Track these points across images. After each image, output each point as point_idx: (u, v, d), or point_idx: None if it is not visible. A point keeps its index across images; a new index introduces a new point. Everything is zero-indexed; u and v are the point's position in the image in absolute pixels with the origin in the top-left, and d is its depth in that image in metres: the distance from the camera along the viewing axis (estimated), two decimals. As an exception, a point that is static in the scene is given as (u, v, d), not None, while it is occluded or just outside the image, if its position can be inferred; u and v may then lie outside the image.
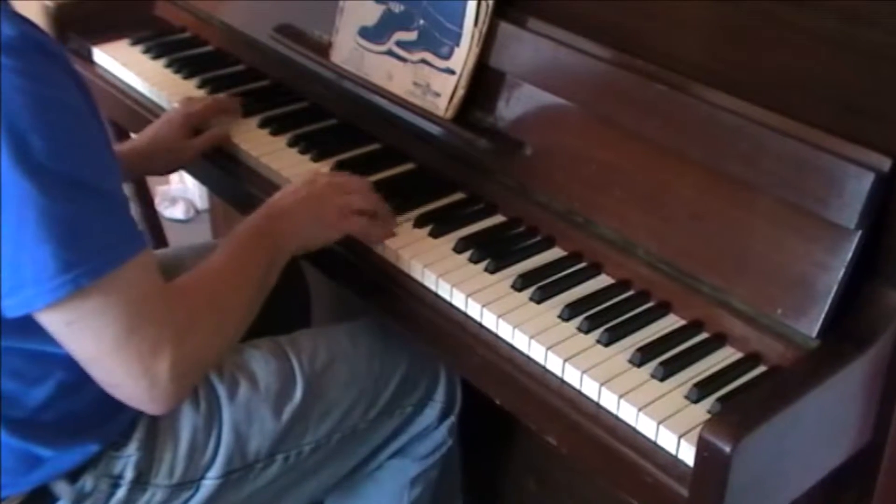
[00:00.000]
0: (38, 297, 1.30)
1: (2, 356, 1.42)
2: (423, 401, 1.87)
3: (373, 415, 1.80)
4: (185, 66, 2.24)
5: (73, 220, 1.30)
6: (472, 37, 1.76)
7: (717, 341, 1.48)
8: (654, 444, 1.34)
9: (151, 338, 1.37)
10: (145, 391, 1.40)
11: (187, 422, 1.61)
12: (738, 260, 1.46)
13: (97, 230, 1.32)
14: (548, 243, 1.68)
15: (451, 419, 1.91)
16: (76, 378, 1.47)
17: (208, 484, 1.63)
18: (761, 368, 1.44)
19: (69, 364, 1.45)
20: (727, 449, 1.20)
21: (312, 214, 1.66)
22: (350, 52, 1.97)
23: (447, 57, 1.80)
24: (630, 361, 1.44)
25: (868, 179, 1.33)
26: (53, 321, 1.35)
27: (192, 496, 1.63)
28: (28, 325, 1.36)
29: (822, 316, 1.37)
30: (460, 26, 1.78)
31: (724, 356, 1.46)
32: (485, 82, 1.79)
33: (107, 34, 2.35)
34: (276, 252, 1.60)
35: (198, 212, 3.80)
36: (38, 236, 1.28)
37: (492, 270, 1.61)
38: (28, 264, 1.29)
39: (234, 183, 1.93)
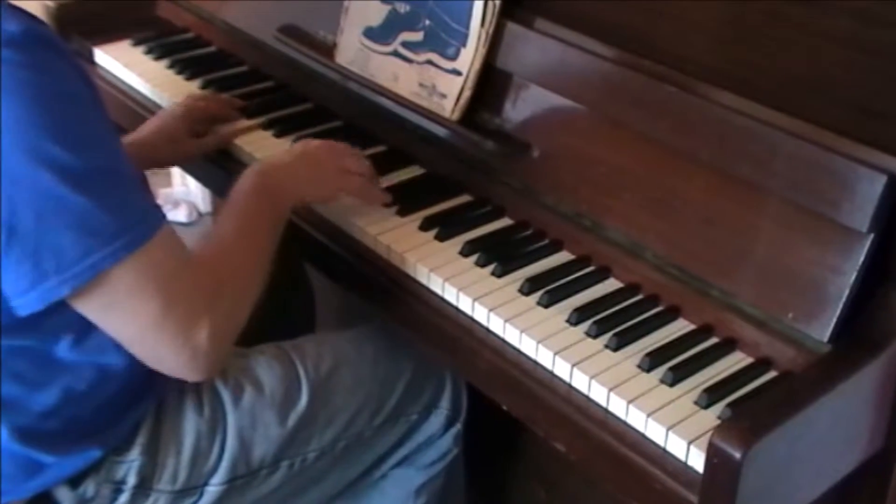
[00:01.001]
0: (59, 286, 1.33)
1: (8, 359, 1.43)
2: (428, 408, 1.88)
3: (378, 422, 1.80)
4: (188, 67, 2.24)
5: (93, 207, 1.32)
6: (479, 37, 1.77)
7: (726, 346, 1.48)
8: (664, 450, 1.34)
9: (188, 309, 1.41)
10: (188, 361, 1.44)
11: (191, 427, 1.62)
12: (749, 264, 1.46)
13: (116, 212, 1.35)
14: (555, 247, 1.69)
15: (457, 427, 1.92)
16: (82, 384, 1.49)
17: (212, 490, 1.64)
18: (772, 374, 1.44)
19: (75, 369, 1.46)
20: (737, 455, 1.20)
21: (309, 170, 1.71)
22: (355, 52, 1.97)
23: (453, 58, 1.81)
24: (639, 366, 1.44)
25: (880, 182, 1.33)
26: (93, 306, 1.38)
27: (195, 503, 1.64)
28: (37, 326, 1.38)
29: (834, 320, 1.38)
30: (467, 27, 1.78)
31: (734, 361, 1.46)
32: (491, 83, 1.80)
33: (108, 35, 2.36)
34: (277, 208, 1.64)
35: (200, 215, 3.80)
36: (59, 227, 1.30)
37: (499, 274, 1.62)
38: (49, 256, 1.31)
39: (237, 185, 1.93)
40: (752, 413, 1.28)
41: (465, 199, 1.82)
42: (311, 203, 1.73)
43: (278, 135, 2.00)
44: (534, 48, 1.73)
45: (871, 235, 1.36)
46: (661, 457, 1.34)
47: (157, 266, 1.39)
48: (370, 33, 1.95)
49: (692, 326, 1.52)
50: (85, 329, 1.44)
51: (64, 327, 1.44)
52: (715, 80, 1.53)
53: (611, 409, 1.40)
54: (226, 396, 1.66)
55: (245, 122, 2.06)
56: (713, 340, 1.50)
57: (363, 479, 1.88)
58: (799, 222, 1.42)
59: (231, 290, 1.49)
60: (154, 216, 1.41)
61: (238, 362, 1.71)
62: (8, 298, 1.35)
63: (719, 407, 1.37)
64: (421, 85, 1.86)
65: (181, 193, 3.84)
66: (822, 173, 1.38)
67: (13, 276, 1.33)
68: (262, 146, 1.96)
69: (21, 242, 1.30)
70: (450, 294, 1.60)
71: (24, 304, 1.35)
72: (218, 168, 1.99)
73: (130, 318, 1.40)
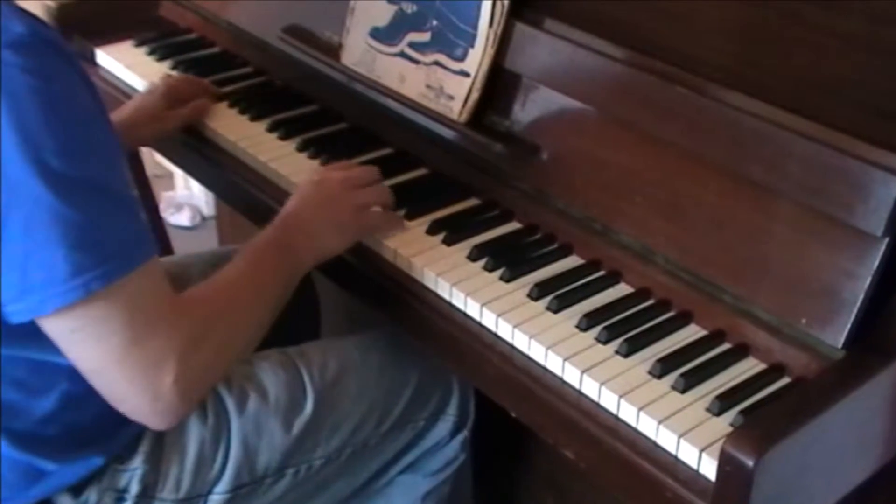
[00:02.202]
0: (47, 302, 1.31)
1: (7, 366, 1.43)
2: (435, 414, 1.88)
3: (384, 429, 1.81)
4: (191, 69, 2.25)
5: (86, 223, 1.31)
6: (487, 38, 1.77)
7: (739, 352, 1.49)
8: (675, 458, 1.35)
9: (156, 349, 1.38)
10: (148, 405, 1.41)
11: (194, 435, 1.62)
12: (762, 268, 1.47)
13: (110, 233, 1.33)
14: (565, 251, 1.69)
15: (464, 433, 1.92)
16: (82, 390, 1.47)
17: (216, 499, 1.64)
18: (785, 380, 1.44)
19: (74, 375, 1.45)
20: (750, 463, 1.20)
21: (329, 220, 1.67)
22: (361, 53, 1.98)
23: (461, 59, 1.81)
24: (650, 373, 1.45)
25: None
26: (58, 328, 1.36)
27: (199, 511, 1.64)
28: (33, 333, 1.37)
29: (848, 326, 1.38)
30: (475, 27, 1.79)
31: (747, 367, 1.47)
32: (500, 85, 1.80)
33: (110, 35, 2.37)
34: (294, 266, 1.62)
35: (204, 219, 3.81)
36: (50, 239, 1.29)
37: (507, 279, 1.62)
38: (38, 268, 1.30)
39: (241, 188, 1.94)
40: (764, 420, 1.28)
41: (472, 202, 1.82)
42: (334, 255, 1.69)
43: (283, 137, 2.00)
44: (543, 49, 1.74)
45: (886, 239, 1.36)
46: (672, 464, 1.34)
47: (137, 297, 1.36)
48: (376, 34, 1.96)
49: (704, 332, 1.53)
50: None
51: None
52: (727, 82, 1.53)
53: (621, 415, 1.40)
54: (230, 403, 1.67)
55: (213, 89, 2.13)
56: (725, 346, 1.50)
57: (369, 485, 1.89)
58: (812, 226, 1.42)
59: (214, 340, 1.46)
60: (147, 243, 1.40)
61: (242, 369, 1.71)
62: (2, 304, 1.34)
63: (732, 414, 1.37)
64: (428, 86, 1.87)
65: (184, 197, 3.85)
66: (836, 176, 1.38)
67: (4, 283, 1.32)
68: (267, 148, 1.97)
69: (10, 249, 1.29)
70: (457, 299, 1.60)
71: (13, 312, 1.34)
72: (222, 171, 2.00)
73: (95, 347, 1.37)
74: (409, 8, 1.90)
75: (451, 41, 1.83)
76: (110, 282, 1.32)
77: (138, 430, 1.59)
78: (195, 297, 1.50)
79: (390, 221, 1.74)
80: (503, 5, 1.75)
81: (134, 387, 1.39)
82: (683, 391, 1.41)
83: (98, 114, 1.39)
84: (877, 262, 1.37)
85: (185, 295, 1.49)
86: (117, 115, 1.99)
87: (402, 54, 1.91)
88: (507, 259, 1.65)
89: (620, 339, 1.50)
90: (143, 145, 2.17)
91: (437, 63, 1.85)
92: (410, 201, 1.78)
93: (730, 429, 1.35)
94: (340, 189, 1.71)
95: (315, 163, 1.92)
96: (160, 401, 1.41)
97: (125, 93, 2.23)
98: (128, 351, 1.36)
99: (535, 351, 1.50)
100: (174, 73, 2.24)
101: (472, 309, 1.58)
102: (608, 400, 1.42)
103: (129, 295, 1.36)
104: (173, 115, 2.03)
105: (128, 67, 2.27)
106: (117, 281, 1.33)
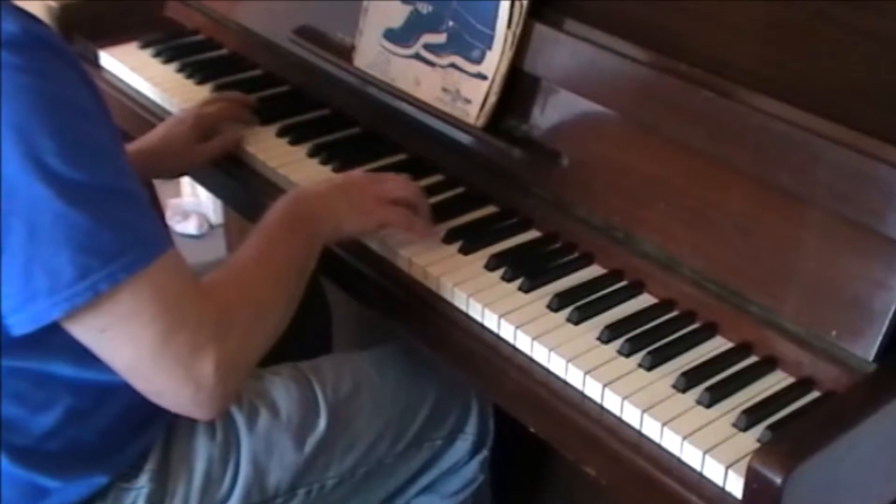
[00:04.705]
0: (52, 308, 1.32)
1: (6, 379, 1.43)
2: (453, 434, 1.89)
3: (400, 448, 1.82)
4: (199, 71, 2.26)
5: (90, 224, 1.31)
6: (506, 39, 1.78)
7: (766, 365, 1.49)
8: (700, 474, 1.35)
9: (190, 340, 1.39)
10: (191, 396, 1.42)
11: (202, 452, 1.64)
12: (790, 278, 1.48)
13: (116, 232, 1.34)
14: (586, 260, 1.70)
15: (484, 453, 1.93)
16: (85, 404, 1.50)
17: (224, 519, 1.66)
18: (814, 394, 1.45)
19: (78, 389, 1.47)
20: (778, 480, 1.21)
21: (347, 199, 1.68)
22: (374, 55, 1.99)
23: (478, 61, 1.82)
24: (674, 387, 1.45)
25: (928, 192, 1.35)
26: (86, 330, 1.37)
27: (207, 530, 1.65)
28: (35, 344, 1.38)
29: (880, 338, 1.39)
30: (492, 28, 1.80)
31: (775, 381, 1.47)
32: (518, 88, 1.81)
33: (115, 37, 2.38)
34: (310, 236, 1.62)
35: (212, 227, 3.82)
36: (54, 243, 1.30)
37: (526, 289, 1.63)
38: (42, 274, 1.30)
39: (250, 195, 1.95)
40: (793, 435, 1.30)
41: (490, 209, 1.83)
42: (350, 236, 1.72)
43: (294, 142, 2.01)
44: (563, 51, 1.75)
45: (919, 248, 1.37)
46: (697, 482, 1.35)
47: (159, 290, 1.37)
48: (391, 35, 1.97)
49: (730, 344, 1.54)
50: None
51: (66, 345, 1.41)
52: (754, 85, 1.55)
53: (644, 431, 1.41)
54: (239, 420, 1.68)
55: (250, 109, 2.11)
56: (752, 359, 1.51)
57: (385, 506, 1.90)
58: (842, 234, 1.43)
59: (243, 321, 1.47)
60: (158, 238, 1.40)
61: (252, 384, 1.72)
62: (3, 316, 1.35)
63: (759, 429, 1.38)
64: (444, 90, 1.88)
65: (191, 204, 3.86)
66: (867, 182, 1.40)
67: (4, 293, 1.32)
68: (276, 154, 1.98)
69: (11, 257, 1.30)
70: (474, 310, 1.61)
71: (16, 323, 1.34)
72: (229, 178, 2.01)
73: (127, 345, 1.38)
74: (425, 8, 1.91)
75: (468, 43, 1.84)
76: (117, 282, 1.33)
77: (144, 448, 1.60)
78: (216, 282, 1.50)
79: (415, 223, 1.72)
80: (522, 5, 1.77)
81: (173, 380, 1.40)
82: (709, 406, 1.42)
83: (98, 112, 1.39)
84: (909, 272, 1.38)
85: (206, 281, 1.49)
86: (143, 143, 2.00)
87: (417, 56, 1.93)
88: (526, 269, 1.66)
89: (643, 352, 1.50)
90: (166, 177, 2.18)
91: (453, 65, 1.87)
92: (426, 209, 1.79)
93: (757, 444, 1.35)
94: (365, 178, 1.73)
95: (326, 169, 1.93)
96: (202, 391, 1.42)
97: (130, 96, 2.25)
98: (162, 344, 1.38)
99: (555, 364, 1.51)
100: (180, 75, 2.26)
101: (490, 320, 1.59)
102: (631, 415, 1.43)
103: (151, 289, 1.36)
104: (202, 149, 2.01)
105: (133, 70, 2.28)
106: (133, 277, 1.34)
